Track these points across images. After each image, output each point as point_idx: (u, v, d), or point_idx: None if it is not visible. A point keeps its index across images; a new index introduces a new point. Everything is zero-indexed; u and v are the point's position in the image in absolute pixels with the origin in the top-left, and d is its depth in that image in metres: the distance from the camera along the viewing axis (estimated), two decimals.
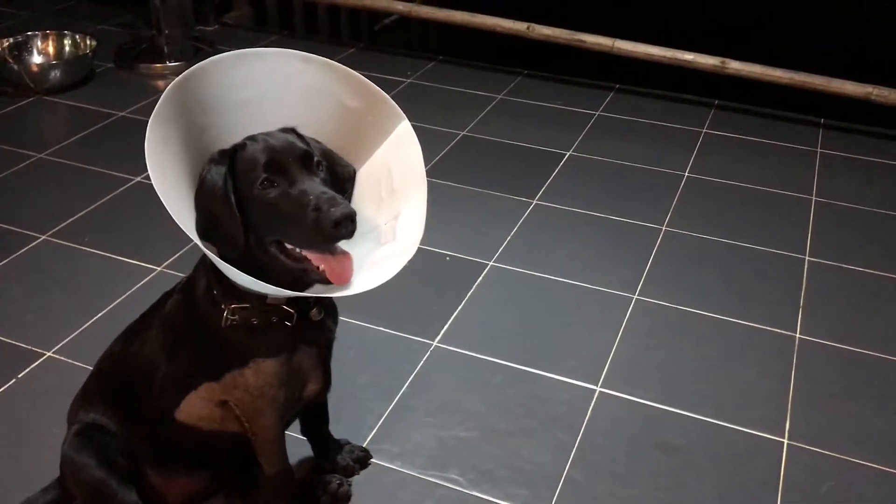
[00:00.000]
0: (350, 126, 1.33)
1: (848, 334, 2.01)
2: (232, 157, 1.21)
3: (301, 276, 1.22)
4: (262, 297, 1.25)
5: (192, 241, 1.15)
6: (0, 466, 1.61)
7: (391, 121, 1.32)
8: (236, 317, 1.25)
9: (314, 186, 1.18)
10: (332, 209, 1.14)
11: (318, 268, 1.19)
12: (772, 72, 2.99)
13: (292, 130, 1.26)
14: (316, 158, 1.22)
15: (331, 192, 1.18)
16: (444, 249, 2.30)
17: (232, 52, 1.29)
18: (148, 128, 1.15)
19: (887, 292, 2.18)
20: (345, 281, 1.19)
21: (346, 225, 1.15)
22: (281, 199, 1.18)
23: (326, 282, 1.20)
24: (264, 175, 1.18)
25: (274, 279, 1.19)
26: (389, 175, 1.32)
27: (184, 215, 1.17)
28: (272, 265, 1.22)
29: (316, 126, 1.31)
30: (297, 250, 1.20)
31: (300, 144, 1.22)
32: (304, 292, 1.23)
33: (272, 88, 1.30)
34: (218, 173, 1.20)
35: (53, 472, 1.46)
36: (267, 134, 1.23)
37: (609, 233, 2.41)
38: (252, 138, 1.22)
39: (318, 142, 1.30)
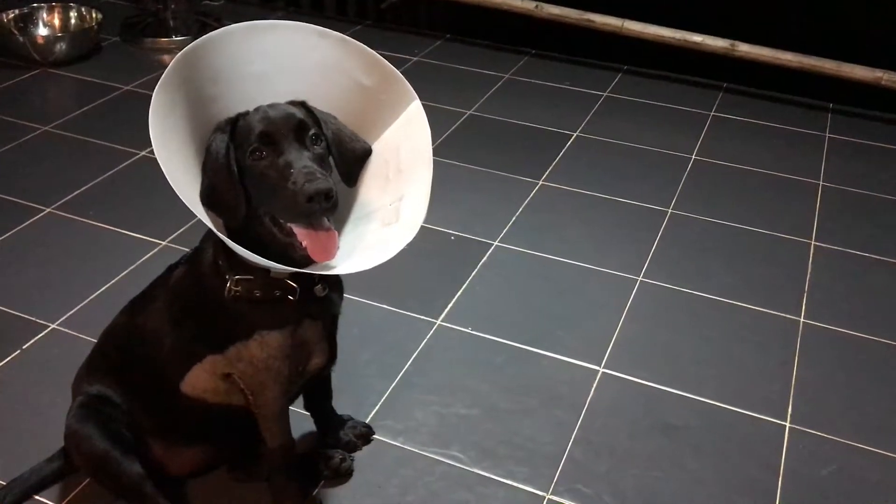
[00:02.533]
0: (362, 104, 1.32)
1: (852, 319, 2.01)
2: (234, 125, 1.20)
3: (288, 251, 1.21)
4: (266, 270, 1.24)
5: (196, 214, 1.14)
6: (5, 437, 1.62)
7: (403, 100, 1.30)
8: (239, 288, 1.24)
9: (300, 160, 1.16)
10: (307, 184, 1.13)
11: (301, 243, 1.18)
12: (781, 55, 2.97)
13: (301, 104, 1.25)
14: (312, 131, 1.20)
15: (312, 167, 1.16)
16: (449, 229, 2.30)
17: (244, 23, 1.27)
18: (154, 95, 1.14)
19: (893, 278, 2.17)
20: (326, 258, 1.18)
21: (320, 200, 1.13)
22: (269, 169, 1.17)
23: (309, 259, 1.18)
24: (255, 145, 1.18)
25: (271, 251, 1.18)
26: (397, 155, 1.30)
27: (186, 184, 1.16)
28: (268, 237, 1.21)
29: (328, 102, 1.29)
30: (287, 224, 1.19)
31: (298, 116, 1.20)
32: (306, 269, 1.21)
33: (284, 61, 1.29)
34: (221, 141, 1.19)
35: (58, 443, 1.47)
36: (270, 105, 1.22)
37: (615, 214, 2.40)
38: (256, 108, 1.22)
39: (332, 116, 1.28)
